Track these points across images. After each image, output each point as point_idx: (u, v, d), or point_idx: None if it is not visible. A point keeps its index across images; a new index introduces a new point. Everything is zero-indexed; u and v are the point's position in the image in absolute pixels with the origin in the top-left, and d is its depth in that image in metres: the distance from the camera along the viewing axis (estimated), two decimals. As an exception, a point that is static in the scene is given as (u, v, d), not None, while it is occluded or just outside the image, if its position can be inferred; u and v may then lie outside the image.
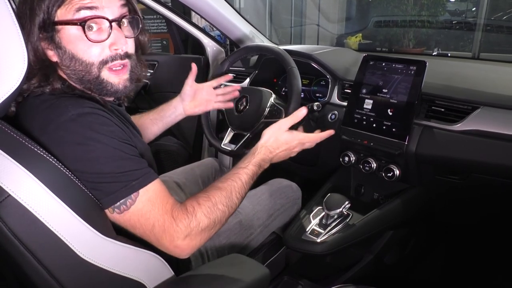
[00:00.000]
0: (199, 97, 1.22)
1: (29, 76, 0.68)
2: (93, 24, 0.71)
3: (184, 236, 0.72)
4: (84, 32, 0.70)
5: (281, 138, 0.97)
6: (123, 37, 0.75)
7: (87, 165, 0.67)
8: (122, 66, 0.76)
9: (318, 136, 1.04)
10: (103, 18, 0.71)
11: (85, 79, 0.74)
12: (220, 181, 0.84)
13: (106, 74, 0.75)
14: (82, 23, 0.69)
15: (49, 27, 0.70)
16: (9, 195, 0.60)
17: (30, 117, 0.69)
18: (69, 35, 0.71)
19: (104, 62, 0.74)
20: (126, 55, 0.76)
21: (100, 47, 0.73)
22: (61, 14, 0.69)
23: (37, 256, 0.63)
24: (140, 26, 0.79)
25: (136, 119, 1.15)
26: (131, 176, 0.70)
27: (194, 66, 1.20)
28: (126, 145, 0.71)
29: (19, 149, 0.62)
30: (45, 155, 0.64)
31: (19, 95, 0.71)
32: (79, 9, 0.69)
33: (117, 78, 0.76)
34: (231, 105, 1.27)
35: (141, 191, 0.70)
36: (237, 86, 1.27)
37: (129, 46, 0.78)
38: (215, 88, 1.25)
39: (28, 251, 0.62)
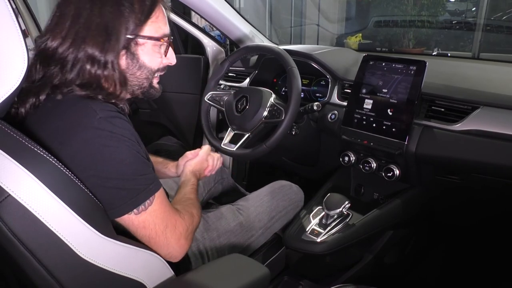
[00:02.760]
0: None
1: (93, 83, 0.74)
2: (165, 42, 0.83)
3: (189, 232, 0.82)
4: (159, 48, 0.82)
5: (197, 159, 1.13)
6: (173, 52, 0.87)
7: (113, 166, 0.70)
8: None
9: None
10: (169, 37, 0.83)
11: (143, 85, 0.83)
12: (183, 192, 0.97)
13: (155, 81, 0.86)
14: (162, 40, 0.81)
15: (133, 40, 0.77)
16: (9, 195, 0.60)
17: (54, 117, 0.70)
18: (148, 48, 0.80)
19: (157, 71, 0.85)
20: None
21: (161, 60, 0.84)
22: (148, 30, 0.78)
23: (37, 256, 0.63)
24: None
25: None
26: (149, 180, 0.74)
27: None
28: (143, 149, 0.76)
29: (19, 149, 0.62)
30: (45, 155, 0.64)
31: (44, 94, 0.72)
32: (161, 28, 0.81)
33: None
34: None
35: (157, 193, 0.76)
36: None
37: None
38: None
39: (28, 251, 0.62)
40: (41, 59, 0.74)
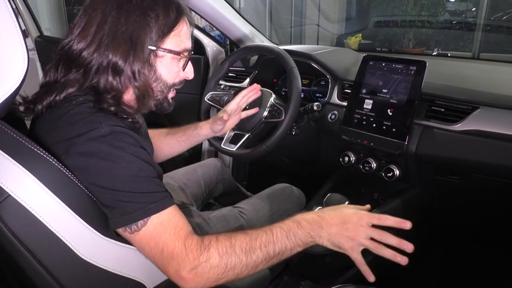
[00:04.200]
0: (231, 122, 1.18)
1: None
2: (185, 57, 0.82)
3: (191, 268, 0.67)
4: (178, 62, 0.81)
5: (339, 209, 0.79)
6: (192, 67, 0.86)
7: (109, 181, 0.67)
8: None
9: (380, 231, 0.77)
10: (189, 52, 0.82)
11: (158, 97, 0.82)
12: (251, 229, 0.75)
13: (170, 95, 0.85)
14: (183, 55, 0.80)
15: (154, 52, 0.76)
16: (9, 195, 0.60)
17: (63, 123, 0.69)
18: (167, 61, 0.79)
19: (174, 85, 0.84)
20: None
21: (178, 74, 0.83)
22: (169, 43, 0.78)
23: (37, 256, 0.63)
24: None
25: (156, 135, 1.14)
26: (150, 198, 0.69)
27: (255, 91, 1.17)
28: (148, 167, 0.71)
29: (19, 149, 0.62)
30: (45, 156, 0.64)
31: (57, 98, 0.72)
32: (183, 42, 0.80)
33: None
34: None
35: (156, 214, 0.69)
36: (254, 86, 1.18)
37: None
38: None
39: (28, 251, 0.62)
40: (65, 61, 0.74)
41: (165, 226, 0.68)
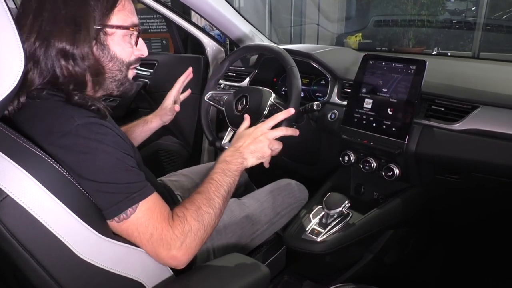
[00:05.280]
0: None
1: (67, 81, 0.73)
2: (135, 31, 0.81)
3: (181, 243, 0.73)
4: (130, 38, 0.81)
5: (243, 135, 0.97)
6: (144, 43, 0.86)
7: (91, 174, 0.68)
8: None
9: (279, 129, 0.97)
10: (138, 27, 0.82)
11: (116, 77, 0.81)
12: (198, 187, 0.85)
13: (130, 74, 0.85)
14: (132, 29, 0.80)
15: (101, 30, 0.76)
16: (7, 195, 0.59)
17: (34, 122, 0.69)
18: (118, 38, 0.79)
19: (131, 64, 0.83)
20: None
21: (132, 51, 0.83)
22: (115, 19, 0.77)
23: (35, 256, 0.62)
24: None
25: None
26: (132, 188, 0.71)
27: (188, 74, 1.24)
28: (128, 156, 0.73)
29: (17, 149, 0.62)
30: (43, 156, 0.63)
31: (23, 96, 0.71)
32: (129, 17, 0.79)
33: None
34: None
35: (142, 202, 0.72)
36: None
37: None
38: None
39: (26, 251, 0.62)
40: None
41: (152, 211, 0.73)
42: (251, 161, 0.92)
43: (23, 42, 0.59)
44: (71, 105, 0.71)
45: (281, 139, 0.96)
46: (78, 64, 0.73)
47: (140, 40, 0.84)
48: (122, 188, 0.70)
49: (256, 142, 0.93)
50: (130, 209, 0.70)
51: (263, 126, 0.96)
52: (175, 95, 1.23)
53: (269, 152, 0.94)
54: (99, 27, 0.75)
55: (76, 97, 0.71)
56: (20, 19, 0.71)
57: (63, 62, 0.72)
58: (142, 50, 0.85)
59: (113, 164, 0.70)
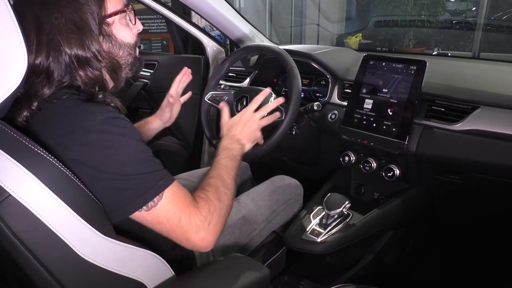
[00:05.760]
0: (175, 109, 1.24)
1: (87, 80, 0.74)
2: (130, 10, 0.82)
3: (208, 223, 0.77)
4: (126, 19, 0.81)
5: (233, 123, 1.07)
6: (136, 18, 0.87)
7: (117, 168, 0.69)
8: None
9: (267, 106, 1.10)
10: (131, 4, 0.82)
11: (129, 61, 0.84)
12: (209, 172, 0.91)
13: (137, 53, 0.87)
14: (127, 9, 0.80)
15: (103, 22, 0.76)
16: (10, 195, 0.59)
17: (55, 122, 0.70)
18: (118, 24, 0.80)
19: (136, 43, 0.85)
20: None
21: (134, 31, 0.84)
22: (110, 6, 0.77)
23: (37, 256, 0.62)
24: None
25: None
26: (157, 176, 0.73)
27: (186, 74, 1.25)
28: (146, 146, 0.75)
29: (19, 149, 0.62)
30: (45, 155, 0.63)
31: (44, 100, 0.71)
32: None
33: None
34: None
35: (167, 188, 0.74)
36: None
37: None
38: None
39: (28, 251, 0.62)
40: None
41: (178, 196, 0.76)
42: (248, 145, 1.05)
43: (25, 42, 0.59)
44: (90, 102, 0.72)
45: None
46: (95, 67, 0.75)
47: (134, 16, 0.85)
48: (148, 177, 0.72)
49: (247, 127, 1.05)
50: (157, 196, 0.72)
51: (247, 111, 1.07)
52: (174, 94, 1.23)
53: (260, 133, 1.07)
54: (100, 21, 0.75)
55: (100, 96, 0.74)
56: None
57: (80, 72, 0.73)
58: (137, 25, 0.86)
59: (137, 156, 0.71)
